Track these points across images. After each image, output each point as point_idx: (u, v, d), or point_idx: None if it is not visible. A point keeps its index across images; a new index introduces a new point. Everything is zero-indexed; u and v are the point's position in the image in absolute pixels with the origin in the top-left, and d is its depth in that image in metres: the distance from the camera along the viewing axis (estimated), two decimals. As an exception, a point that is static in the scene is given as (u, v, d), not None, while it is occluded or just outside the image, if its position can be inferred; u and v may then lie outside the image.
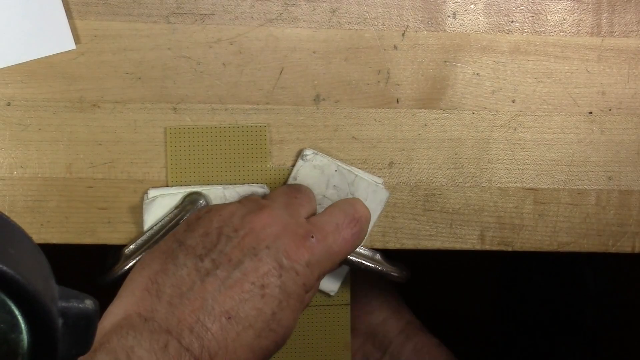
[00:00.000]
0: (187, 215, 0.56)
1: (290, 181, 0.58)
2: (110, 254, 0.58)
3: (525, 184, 0.61)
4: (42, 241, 0.57)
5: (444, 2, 0.59)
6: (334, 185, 0.59)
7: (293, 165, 0.58)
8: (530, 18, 0.60)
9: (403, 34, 0.59)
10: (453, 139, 0.60)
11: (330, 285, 0.60)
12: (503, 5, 0.59)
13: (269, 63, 0.58)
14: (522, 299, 1.08)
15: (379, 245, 0.60)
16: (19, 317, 0.36)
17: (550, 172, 0.61)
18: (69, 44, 0.56)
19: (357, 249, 0.59)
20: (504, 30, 0.60)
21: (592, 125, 0.61)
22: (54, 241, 0.57)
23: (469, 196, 0.60)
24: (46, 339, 0.37)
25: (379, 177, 0.59)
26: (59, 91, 0.57)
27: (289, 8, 0.58)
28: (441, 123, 0.60)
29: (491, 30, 0.60)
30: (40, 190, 0.57)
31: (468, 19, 0.59)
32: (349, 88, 0.59)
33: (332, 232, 0.52)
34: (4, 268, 0.35)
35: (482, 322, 1.10)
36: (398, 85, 0.59)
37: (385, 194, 0.59)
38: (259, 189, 0.58)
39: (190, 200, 0.57)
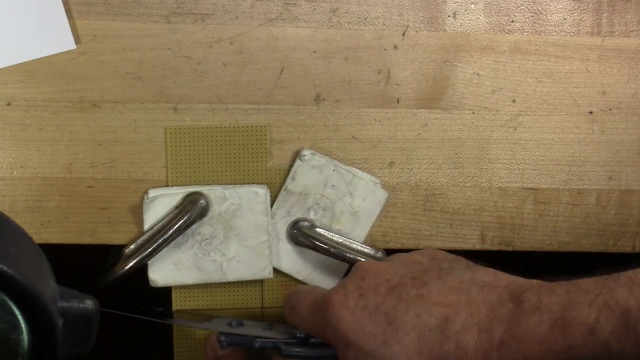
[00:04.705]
0: (187, 215, 0.56)
1: (288, 181, 0.58)
2: (111, 254, 0.58)
3: (525, 184, 0.61)
4: (42, 241, 0.57)
5: (444, 2, 0.59)
6: (332, 185, 0.59)
7: (291, 166, 0.58)
8: (530, 18, 0.60)
9: (403, 34, 0.59)
10: (453, 138, 0.60)
11: (328, 285, 0.60)
12: (503, 5, 0.59)
13: (269, 63, 0.58)
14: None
15: (379, 245, 0.60)
16: (20, 317, 0.36)
17: (550, 172, 0.61)
18: (69, 44, 0.56)
19: (358, 247, 0.59)
20: (504, 30, 0.60)
21: (592, 125, 0.61)
22: (54, 241, 0.57)
23: (469, 196, 0.60)
24: (46, 339, 0.37)
25: (378, 177, 0.59)
26: (59, 91, 0.57)
27: (289, 8, 0.58)
28: (441, 123, 0.60)
29: (491, 30, 0.59)
30: (40, 190, 0.57)
31: (468, 18, 0.59)
32: (349, 88, 0.59)
33: None
34: (4, 268, 0.35)
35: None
36: (398, 85, 0.59)
37: (383, 194, 0.59)
38: (259, 189, 0.58)
39: (191, 200, 0.57)
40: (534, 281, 0.47)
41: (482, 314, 0.45)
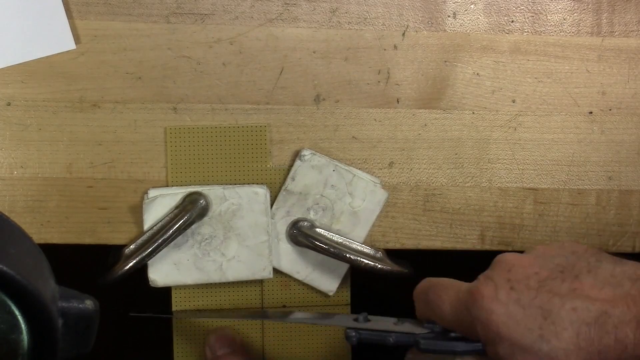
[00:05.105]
0: (187, 215, 0.56)
1: (288, 181, 0.58)
2: (111, 254, 0.58)
3: (525, 184, 0.61)
4: (42, 241, 0.57)
5: (444, 2, 0.59)
6: (332, 185, 0.59)
7: (291, 166, 0.58)
8: (530, 18, 0.60)
9: (403, 34, 0.59)
10: (453, 139, 0.60)
11: (328, 285, 0.60)
12: (503, 5, 0.59)
13: (269, 63, 0.58)
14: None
15: (379, 245, 0.60)
16: (19, 318, 0.36)
17: (550, 172, 0.61)
18: (69, 44, 0.56)
19: (358, 247, 0.59)
20: (504, 30, 0.60)
21: (592, 125, 0.61)
22: (54, 241, 0.57)
23: (469, 196, 0.60)
24: (46, 339, 0.37)
25: (378, 177, 0.59)
26: (59, 91, 0.57)
27: (289, 8, 0.58)
28: (441, 123, 0.60)
29: (491, 30, 0.60)
30: (40, 190, 0.57)
31: (468, 18, 0.59)
32: (349, 88, 0.59)
33: None
34: (4, 268, 0.35)
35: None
36: (398, 85, 0.59)
37: (383, 194, 0.59)
38: (259, 189, 0.58)
39: (191, 200, 0.57)
40: None
41: (639, 307, 0.45)
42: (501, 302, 0.46)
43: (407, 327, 0.51)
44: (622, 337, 0.44)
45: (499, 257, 0.50)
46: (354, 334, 0.50)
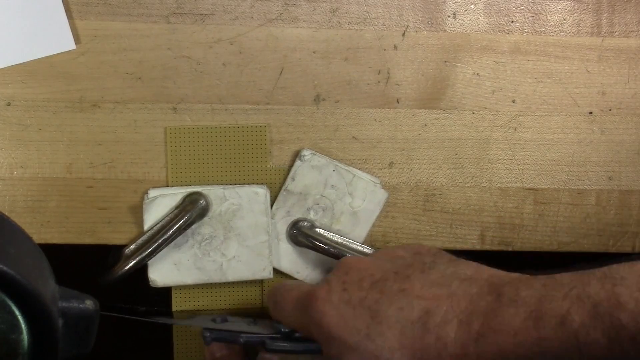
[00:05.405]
0: (187, 215, 0.56)
1: (288, 181, 0.58)
2: (111, 254, 0.58)
3: (525, 184, 0.61)
4: (42, 241, 0.57)
5: (444, 2, 0.59)
6: (332, 185, 0.59)
7: (291, 166, 0.58)
8: (530, 18, 0.60)
9: (403, 34, 0.59)
10: (453, 139, 0.60)
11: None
12: (503, 5, 0.59)
13: (269, 63, 0.58)
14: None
15: (379, 245, 0.60)
16: (19, 317, 0.36)
17: (550, 172, 0.61)
18: (69, 44, 0.56)
19: (358, 247, 0.59)
20: (504, 30, 0.60)
21: (592, 125, 0.61)
22: (54, 241, 0.57)
23: (469, 196, 0.60)
24: (46, 339, 0.37)
25: (378, 177, 0.59)
26: (59, 91, 0.57)
27: (289, 8, 0.58)
28: (441, 123, 0.60)
29: (491, 30, 0.60)
30: (40, 190, 0.57)
31: (468, 19, 0.59)
32: (349, 88, 0.59)
33: None
34: (4, 268, 0.35)
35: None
36: (398, 85, 0.59)
37: (383, 194, 0.59)
38: (259, 189, 0.58)
39: (191, 200, 0.57)
40: (514, 275, 0.47)
41: (462, 307, 0.46)
42: (333, 303, 0.48)
43: (259, 328, 0.54)
44: (442, 335, 0.45)
45: (341, 260, 0.52)
46: (208, 334, 0.52)
